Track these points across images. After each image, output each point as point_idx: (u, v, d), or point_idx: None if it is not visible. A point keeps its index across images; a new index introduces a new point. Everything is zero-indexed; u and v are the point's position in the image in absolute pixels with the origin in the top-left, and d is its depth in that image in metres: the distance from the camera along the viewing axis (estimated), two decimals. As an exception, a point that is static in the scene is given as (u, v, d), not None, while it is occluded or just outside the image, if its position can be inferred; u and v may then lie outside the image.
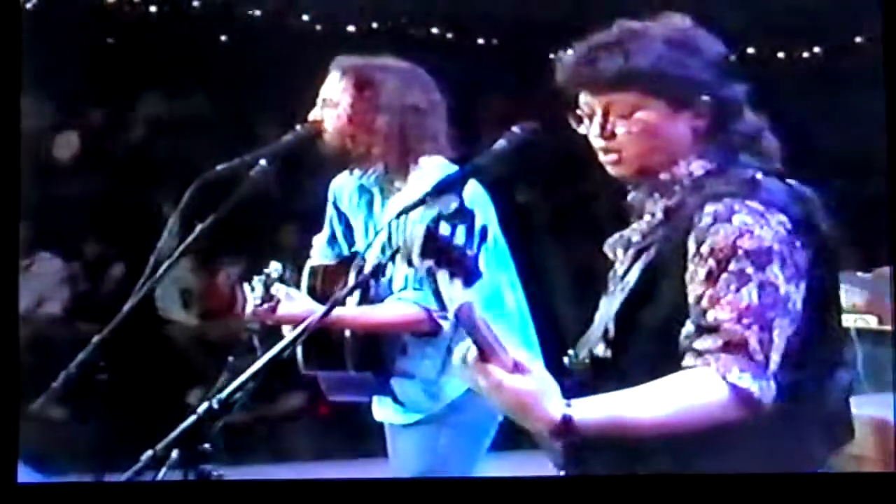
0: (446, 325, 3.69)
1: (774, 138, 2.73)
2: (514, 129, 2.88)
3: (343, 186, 4.01)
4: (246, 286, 3.80)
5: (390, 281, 3.79)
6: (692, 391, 2.46)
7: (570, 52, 2.72)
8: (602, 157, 2.72)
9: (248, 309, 3.78)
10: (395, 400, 3.87)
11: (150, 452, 2.81)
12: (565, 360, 2.70)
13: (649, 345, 2.59)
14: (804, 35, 7.97)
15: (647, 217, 2.70)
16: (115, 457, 3.28)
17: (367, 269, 3.77)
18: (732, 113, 2.69)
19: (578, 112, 2.73)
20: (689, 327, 2.53)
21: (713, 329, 2.49)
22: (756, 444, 2.55)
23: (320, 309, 3.77)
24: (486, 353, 2.36)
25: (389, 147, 3.85)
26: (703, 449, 2.53)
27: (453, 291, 2.31)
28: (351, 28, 7.88)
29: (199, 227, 3.68)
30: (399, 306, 3.74)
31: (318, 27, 8.15)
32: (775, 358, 2.50)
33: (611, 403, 2.45)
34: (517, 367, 2.38)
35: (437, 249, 2.32)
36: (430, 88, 3.92)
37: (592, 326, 2.71)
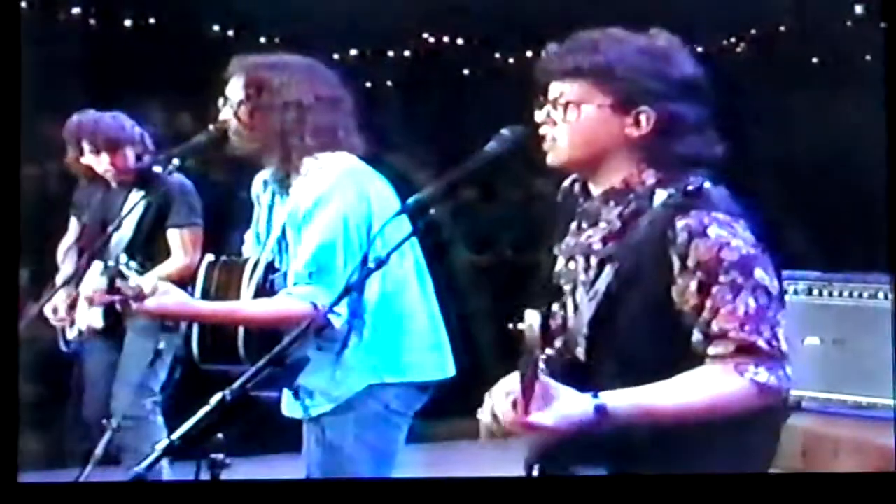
0: (336, 321, 3.68)
1: (720, 151, 2.78)
2: (504, 131, 2.89)
3: (258, 183, 4.04)
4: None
5: (285, 275, 3.81)
6: (715, 383, 2.61)
7: (553, 45, 2.81)
8: (543, 145, 2.81)
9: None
10: (297, 395, 3.86)
11: (165, 442, 2.81)
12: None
13: (625, 347, 2.69)
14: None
15: (602, 224, 2.77)
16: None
17: (263, 266, 3.81)
18: (677, 132, 2.74)
19: (542, 100, 2.80)
20: (697, 335, 2.65)
21: (721, 336, 2.62)
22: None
23: (194, 302, 3.80)
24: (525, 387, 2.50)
25: (275, 143, 3.85)
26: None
27: None
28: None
29: (110, 228, 3.69)
30: (286, 301, 3.74)
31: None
32: (784, 347, 2.63)
33: (639, 393, 2.59)
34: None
35: None
36: (322, 83, 3.90)
37: (568, 331, 2.77)
